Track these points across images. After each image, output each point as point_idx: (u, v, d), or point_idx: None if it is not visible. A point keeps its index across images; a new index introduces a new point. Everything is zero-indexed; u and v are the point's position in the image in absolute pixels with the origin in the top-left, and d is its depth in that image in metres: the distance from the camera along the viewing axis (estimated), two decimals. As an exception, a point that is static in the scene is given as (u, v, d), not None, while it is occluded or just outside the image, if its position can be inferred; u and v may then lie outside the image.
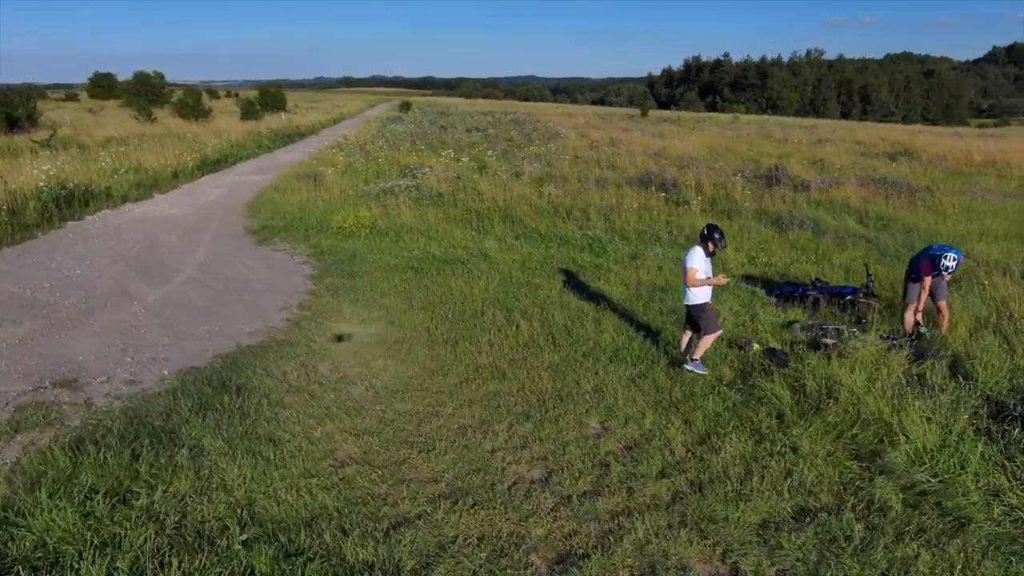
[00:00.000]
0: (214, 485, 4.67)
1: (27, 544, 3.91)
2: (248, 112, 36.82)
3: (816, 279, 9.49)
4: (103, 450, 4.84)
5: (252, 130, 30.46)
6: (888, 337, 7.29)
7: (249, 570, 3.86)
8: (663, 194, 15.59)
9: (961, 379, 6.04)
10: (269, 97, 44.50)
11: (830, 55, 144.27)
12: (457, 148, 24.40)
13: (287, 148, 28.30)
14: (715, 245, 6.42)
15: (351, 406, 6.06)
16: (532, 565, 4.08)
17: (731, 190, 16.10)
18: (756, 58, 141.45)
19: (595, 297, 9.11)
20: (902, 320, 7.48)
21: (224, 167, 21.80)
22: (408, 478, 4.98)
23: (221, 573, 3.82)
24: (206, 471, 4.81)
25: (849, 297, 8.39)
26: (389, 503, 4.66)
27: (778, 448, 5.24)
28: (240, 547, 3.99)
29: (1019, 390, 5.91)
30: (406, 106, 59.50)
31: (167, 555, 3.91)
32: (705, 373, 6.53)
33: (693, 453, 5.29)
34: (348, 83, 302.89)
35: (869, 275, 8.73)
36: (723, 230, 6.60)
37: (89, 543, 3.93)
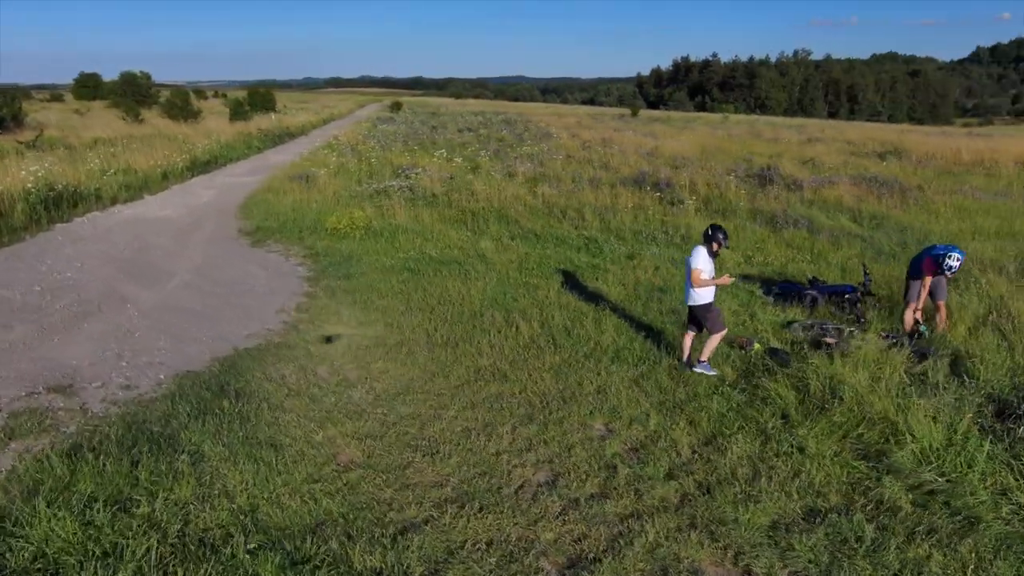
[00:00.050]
0: (216, 492, 4.59)
1: (26, 555, 3.81)
2: (237, 113, 36.53)
3: (813, 278, 9.51)
4: (102, 457, 4.74)
5: (242, 131, 30.23)
6: (888, 336, 7.31)
7: (255, 579, 3.79)
8: (657, 194, 15.59)
9: (964, 378, 6.04)
10: (258, 97, 44.19)
11: (817, 55, 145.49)
12: (449, 148, 24.32)
13: (277, 149, 28.09)
14: (719, 245, 6.40)
15: (352, 409, 5.98)
16: (543, 570, 4.03)
17: (725, 190, 16.14)
18: (744, 58, 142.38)
19: (593, 297, 9.08)
20: (902, 319, 7.49)
21: (214, 168, 21.60)
22: (413, 482, 4.91)
23: (227, 582, 3.75)
24: (207, 477, 4.73)
25: (848, 296, 8.40)
26: (395, 508, 4.59)
27: (784, 448, 5.22)
28: (246, 555, 3.91)
29: (1021, 388, 5.92)
30: (397, 106, 59.32)
31: (171, 564, 3.83)
32: (715, 374, 6.51)
33: (699, 454, 5.26)
34: (337, 83, 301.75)
35: (867, 274, 8.76)
36: (727, 230, 6.58)
37: (90, 553, 3.84)
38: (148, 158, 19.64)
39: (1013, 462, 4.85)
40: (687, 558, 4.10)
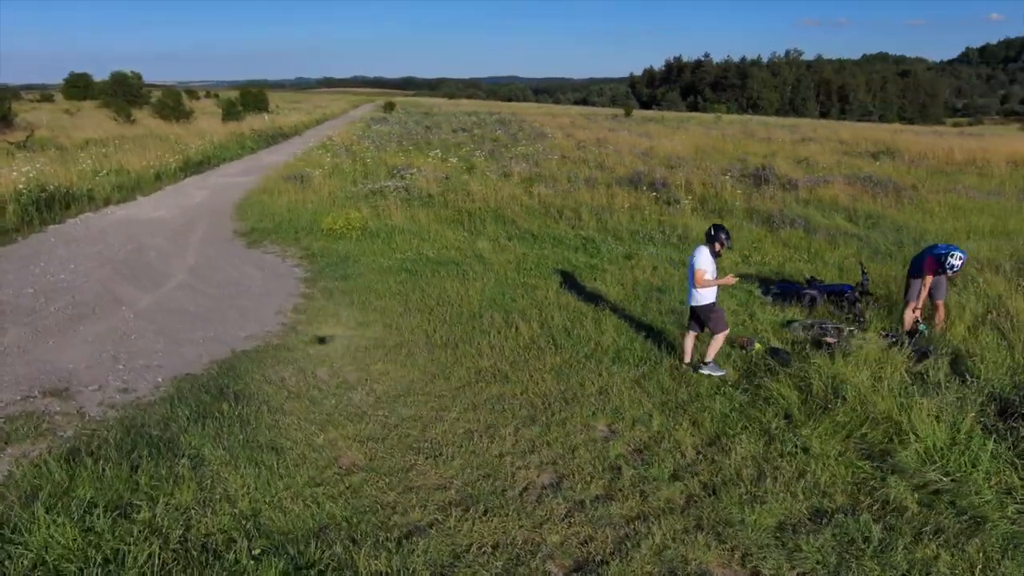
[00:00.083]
0: (217, 496, 4.53)
1: (25, 562, 3.75)
2: (230, 113, 36.32)
3: (811, 278, 9.52)
4: (101, 462, 4.67)
5: (235, 131, 30.05)
6: (887, 335, 7.32)
7: (259, 584, 3.74)
8: (654, 194, 15.59)
9: (966, 376, 6.05)
10: (251, 98, 43.99)
11: (808, 56, 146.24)
12: (444, 148, 24.26)
13: (271, 149, 27.96)
14: (721, 245, 6.39)
15: (353, 412, 5.93)
16: (550, 573, 4.00)
17: (721, 189, 16.16)
18: (736, 59, 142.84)
19: (592, 298, 9.06)
20: (901, 318, 7.50)
21: (208, 168, 21.47)
22: (416, 485, 4.87)
23: (230, 588, 3.70)
24: (208, 482, 4.67)
25: (848, 295, 8.41)
26: (399, 511, 4.55)
27: (789, 449, 5.21)
28: (250, 561, 3.86)
29: (1022, 387, 5.94)
30: (390, 106, 59.15)
31: (173, 571, 3.78)
32: (722, 374, 6.51)
33: (704, 455, 5.24)
34: (329, 83, 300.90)
35: (864, 273, 8.77)
36: (729, 231, 6.56)
37: (91, 560, 3.78)
38: (140, 159, 19.49)
39: (1017, 461, 4.85)
40: (695, 560, 4.07)
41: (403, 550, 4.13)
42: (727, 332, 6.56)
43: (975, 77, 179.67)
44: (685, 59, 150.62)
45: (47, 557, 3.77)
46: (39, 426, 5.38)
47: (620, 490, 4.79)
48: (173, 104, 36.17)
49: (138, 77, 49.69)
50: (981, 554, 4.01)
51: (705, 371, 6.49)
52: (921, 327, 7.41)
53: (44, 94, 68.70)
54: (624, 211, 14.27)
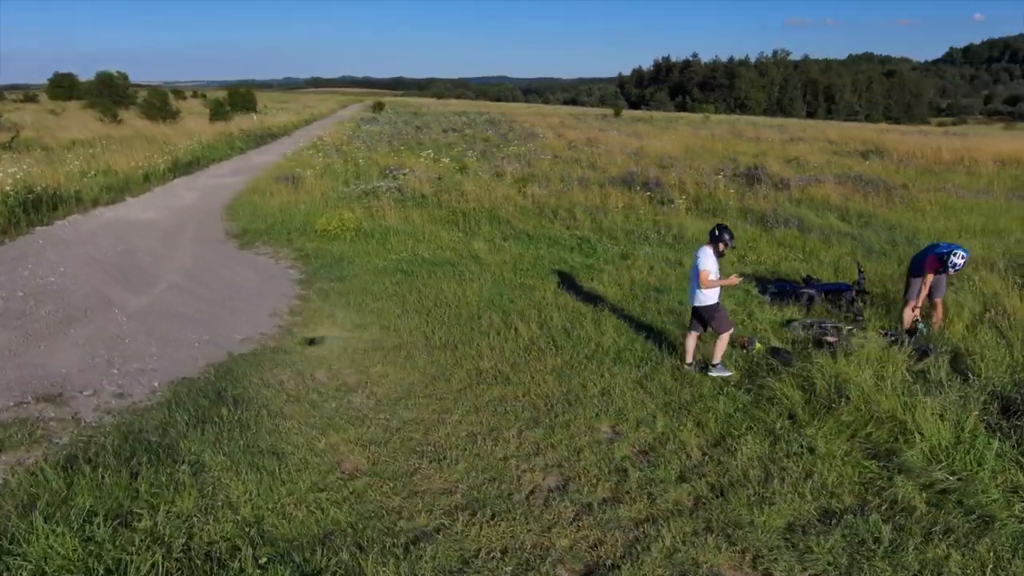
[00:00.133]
0: (219, 503, 4.45)
1: (24, 574, 3.65)
2: (218, 113, 36.00)
3: (808, 277, 9.55)
4: (100, 469, 4.57)
5: (223, 131, 29.78)
6: (886, 334, 7.34)
7: (266, 594, 3.66)
8: (647, 193, 15.59)
9: (969, 375, 6.06)
10: (239, 98, 43.62)
11: (795, 56, 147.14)
12: (435, 149, 24.16)
13: (260, 150, 27.73)
14: (725, 245, 6.37)
15: (354, 415, 5.86)
16: (561, 578, 3.95)
17: (714, 189, 16.18)
18: (724, 59, 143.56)
19: (590, 298, 9.02)
20: (900, 316, 7.53)
21: (197, 169, 21.24)
22: (421, 489, 4.81)
23: (236, 598, 3.62)
24: (209, 488, 4.58)
25: (846, 294, 8.43)
26: (405, 516, 4.49)
27: (794, 449, 5.19)
28: (256, 569, 3.78)
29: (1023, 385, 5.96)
30: (379, 106, 58.90)
31: (177, 580, 3.70)
32: (730, 374, 6.49)
33: (710, 456, 5.22)
34: (317, 83, 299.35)
35: (861, 272, 8.80)
36: (732, 230, 6.55)
37: (92, 571, 3.69)
38: (128, 159, 19.26)
39: (1022, 459, 4.87)
40: (706, 563, 4.04)
41: (411, 556, 4.06)
42: (731, 331, 6.54)
43: (959, 77, 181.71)
44: (673, 59, 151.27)
45: (47, 568, 3.68)
46: (33, 433, 5.26)
47: (627, 492, 4.75)
48: (160, 104, 35.81)
49: (124, 77, 49.13)
50: (991, 554, 4.01)
51: (714, 373, 6.46)
52: (920, 326, 7.43)
53: (28, 94, 67.79)
54: (618, 211, 14.25)
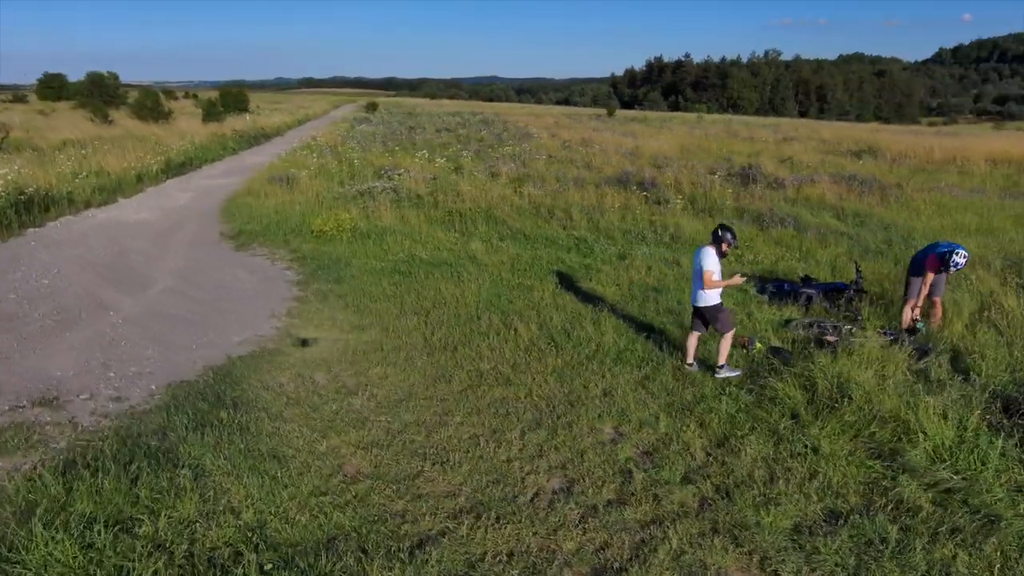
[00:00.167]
0: (221, 508, 4.39)
1: (24, 582, 3.59)
2: (210, 113, 35.78)
3: (806, 276, 9.55)
4: (99, 474, 4.50)
5: (216, 132, 29.64)
6: (886, 333, 7.35)
7: (271, 600, 3.61)
8: (644, 193, 15.58)
9: (971, 374, 6.07)
10: (231, 98, 43.32)
11: (787, 56, 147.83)
12: (430, 149, 24.08)
13: (253, 150, 27.59)
14: (728, 245, 6.36)
15: (354, 417, 5.81)
16: (568, 581, 3.92)
17: (709, 189, 16.19)
18: (716, 59, 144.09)
19: (589, 298, 9.00)
20: (900, 315, 7.54)
21: (190, 170, 21.12)
22: (424, 492, 4.77)
23: (241, 605, 3.57)
24: (211, 493, 4.53)
25: (846, 293, 8.44)
26: (409, 520, 4.44)
27: (798, 449, 5.18)
28: (261, 575, 3.73)
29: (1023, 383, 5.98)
30: (372, 107, 58.77)
31: (180, 587, 3.64)
32: (738, 374, 6.48)
33: (714, 457, 5.20)
34: (309, 84, 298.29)
35: (859, 271, 8.81)
36: (735, 230, 6.54)
37: (93, 578, 3.63)
38: (120, 160, 19.11)
39: (1025, 458, 4.87)
40: (714, 565, 4.02)
41: (416, 560, 4.03)
42: (734, 331, 6.53)
43: (949, 77, 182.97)
44: (666, 59, 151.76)
45: (47, 576, 3.62)
46: (30, 437, 5.19)
47: (632, 494, 4.73)
48: (151, 105, 35.55)
49: (115, 77, 48.71)
50: (999, 553, 4.00)
51: (721, 374, 6.43)
52: (919, 325, 7.44)
53: (16, 94, 67.22)
54: (615, 211, 14.24)
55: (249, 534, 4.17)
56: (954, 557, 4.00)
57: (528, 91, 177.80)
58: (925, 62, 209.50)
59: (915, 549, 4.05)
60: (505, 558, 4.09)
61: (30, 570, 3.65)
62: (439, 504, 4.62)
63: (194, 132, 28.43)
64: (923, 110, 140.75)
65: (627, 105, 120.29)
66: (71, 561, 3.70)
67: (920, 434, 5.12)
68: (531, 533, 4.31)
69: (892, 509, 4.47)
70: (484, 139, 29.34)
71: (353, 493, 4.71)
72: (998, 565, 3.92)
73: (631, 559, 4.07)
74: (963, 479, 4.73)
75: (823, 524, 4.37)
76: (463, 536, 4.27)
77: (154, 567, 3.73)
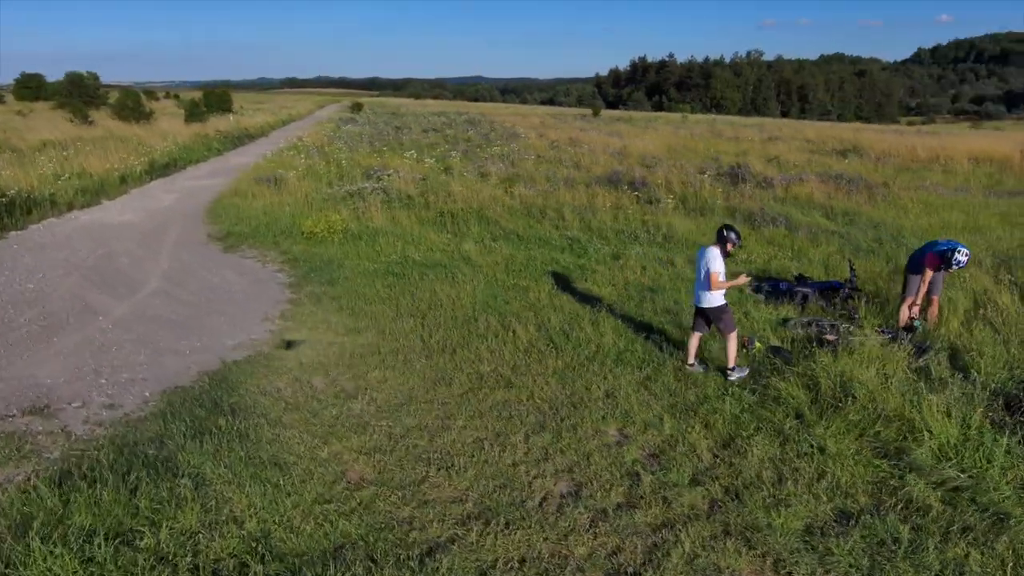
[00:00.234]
0: (223, 518, 4.28)
1: (22, 599, 3.47)
2: (193, 114, 35.34)
3: (800, 275, 9.59)
4: (96, 485, 4.37)
5: (199, 132, 29.27)
6: (883, 331, 7.38)
7: (280, 613, 3.52)
8: (635, 193, 15.58)
9: (972, 373, 6.09)
10: (214, 98, 42.87)
11: (768, 56, 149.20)
12: (417, 149, 23.96)
13: (238, 151, 27.27)
14: (733, 245, 6.34)
15: (355, 422, 5.72)
16: (582, 588, 3.86)
17: (699, 188, 16.23)
18: (699, 59, 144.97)
19: (586, 299, 8.96)
20: (897, 314, 7.57)
21: (174, 171, 20.82)
22: (431, 498, 4.69)
23: (249, 618, 3.47)
24: (212, 503, 4.41)
25: (843, 292, 8.47)
26: (416, 527, 4.36)
27: (805, 449, 5.17)
28: (269, 588, 3.64)
29: (1022, 380, 6.02)
30: (358, 107, 58.43)
31: (185, 601, 3.54)
32: (747, 373, 6.48)
33: (721, 458, 5.17)
34: (292, 84, 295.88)
35: (853, 270, 8.85)
36: (738, 230, 6.52)
37: (95, 593, 3.51)
38: (103, 161, 18.83)
39: (1030, 456, 4.89)
40: (728, 568, 3.98)
41: (427, 568, 3.95)
42: (736, 331, 6.51)
43: (927, 77, 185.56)
44: (650, 59, 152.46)
45: (46, 592, 3.50)
46: (21, 448, 5.04)
47: (641, 497, 4.68)
48: (133, 105, 35.04)
49: (94, 77, 48.08)
50: (1011, 552, 4.00)
51: (734, 376, 6.38)
52: (916, 323, 7.48)
53: (-7, 94, 65.94)
54: (607, 211, 14.22)
55: (254, 544, 4.07)
56: (967, 556, 3.99)
57: (513, 91, 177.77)
58: (904, 62, 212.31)
59: (928, 549, 4.04)
60: (517, 565, 4.03)
61: (29, 586, 3.53)
62: (446, 510, 4.54)
63: (177, 133, 28.07)
64: (902, 110, 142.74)
65: (612, 105, 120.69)
66: (71, 576, 3.59)
67: (925, 433, 5.13)
68: (542, 539, 4.25)
69: (902, 509, 4.46)
70: (471, 139, 29.24)
71: (358, 500, 4.62)
72: (1011, 564, 3.92)
73: (644, 563, 4.03)
74: (970, 477, 4.73)
75: (834, 525, 4.35)
76: (473, 543, 4.20)
77: (158, 581, 3.62)
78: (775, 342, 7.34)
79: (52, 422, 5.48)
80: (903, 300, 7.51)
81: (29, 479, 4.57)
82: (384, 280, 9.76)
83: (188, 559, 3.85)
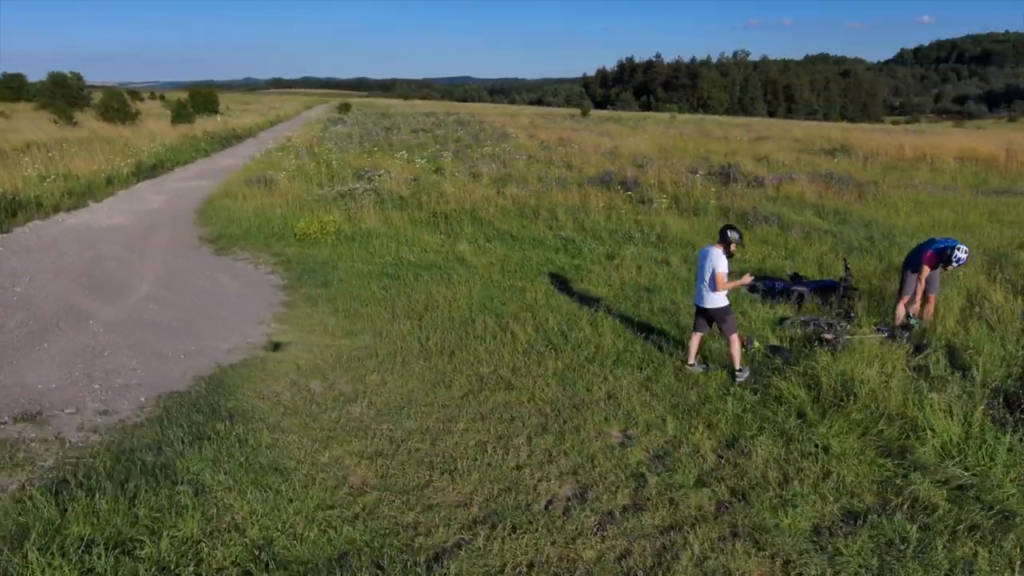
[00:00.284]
0: (225, 526, 4.20)
1: (21, 612, 3.38)
2: (180, 114, 34.95)
3: (795, 274, 9.62)
4: (94, 494, 4.27)
5: (187, 133, 28.99)
6: (880, 330, 7.41)
7: (287, 622, 3.45)
8: (627, 193, 15.58)
9: (972, 371, 6.11)
10: (201, 99, 42.41)
11: (755, 56, 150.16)
12: (408, 149, 23.82)
13: (227, 152, 27.04)
14: (736, 245, 6.33)
15: (355, 426, 5.65)
16: (593, 592, 3.82)
17: (691, 188, 16.26)
18: (686, 59, 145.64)
19: (583, 299, 8.93)
20: (894, 312, 7.60)
21: (162, 173, 20.59)
22: (435, 503, 4.63)
23: (255, 628, 3.40)
24: (213, 510, 4.33)
25: (838, 291, 8.49)
26: (422, 532, 4.31)
27: (809, 449, 5.16)
28: (276, 597, 3.57)
29: (1019, 378, 6.05)
30: (346, 107, 58.12)
31: (189, 612, 3.46)
32: (749, 371, 6.47)
33: (725, 459, 5.15)
34: (278, 84, 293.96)
35: (847, 268, 8.88)
36: (740, 230, 6.51)
37: (96, 605, 3.43)
38: (89, 163, 18.58)
39: (1032, 453, 4.91)
40: (737, 570, 3.96)
41: (434, 574, 3.89)
42: (738, 332, 6.51)
43: (910, 77, 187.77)
44: (637, 60, 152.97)
45: (45, 605, 3.41)
46: (14, 455, 4.93)
47: (648, 499, 4.65)
48: (118, 106, 34.56)
49: (78, 77, 47.32)
50: (1018, 550, 4.01)
51: (741, 378, 6.36)
52: (912, 321, 7.51)
53: (-28, 95, 64.85)
54: (600, 211, 14.20)
55: (257, 552, 4.00)
56: (975, 555, 3.99)
57: (501, 91, 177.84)
58: (888, 62, 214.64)
59: (936, 548, 4.04)
60: (525, 570, 3.98)
61: (27, 599, 3.43)
62: (452, 515, 4.49)
63: (164, 134, 27.78)
64: (887, 109, 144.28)
65: (600, 105, 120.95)
66: (71, 588, 3.50)
67: (928, 431, 5.14)
68: (549, 543, 4.21)
69: (909, 508, 4.45)
70: (461, 139, 29.14)
71: (361, 505, 4.55)
72: (1019, 562, 3.92)
73: (654, 566, 3.99)
74: (974, 475, 4.74)
75: (842, 525, 4.34)
76: (480, 548, 4.14)
77: (161, 591, 3.53)
78: (774, 341, 7.35)
79: (45, 429, 5.37)
80: (899, 298, 7.53)
81: (24, 488, 4.46)
82: (379, 282, 9.68)
83: (191, 568, 3.77)
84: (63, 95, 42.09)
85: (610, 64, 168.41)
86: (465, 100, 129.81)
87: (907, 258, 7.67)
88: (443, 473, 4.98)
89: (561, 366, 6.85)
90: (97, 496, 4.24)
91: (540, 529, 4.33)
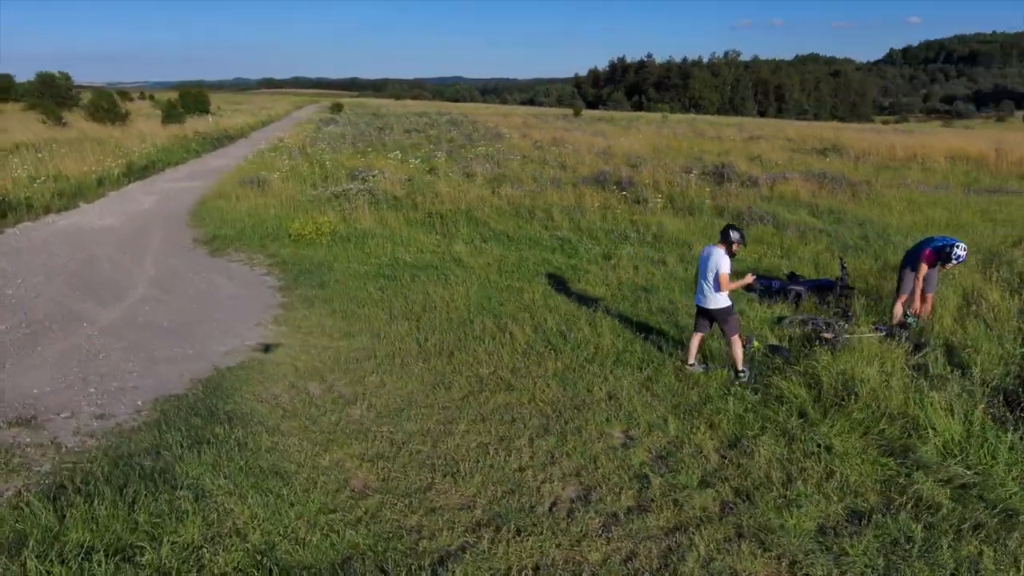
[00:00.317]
0: (226, 531, 4.15)
1: (20, 621, 3.32)
2: (171, 115, 34.69)
3: (792, 273, 9.63)
4: (93, 500, 4.21)
5: (178, 134, 28.79)
6: (878, 328, 7.42)
7: (292, 629, 3.41)
8: (622, 193, 15.59)
9: (971, 369, 6.13)
10: (191, 99, 42.11)
11: (745, 56, 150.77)
12: (401, 150, 23.75)
13: (218, 152, 26.86)
14: (738, 245, 6.33)
15: (355, 429, 5.60)
16: (600, 595, 3.80)
17: (686, 188, 16.28)
18: (678, 59, 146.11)
19: (580, 299, 8.91)
20: (892, 311, 7.62)
21: (153, 173, 20.42)
22: (438, 505, 4.59)
23: (260, 635, 3.35)
24: (214, 515, 4.28)
25: (835, 290, 8.51)
26: (426, 536, 4.27)
27: (812, 449, 5.16)
28: (280, 603, 3.52)
29: (1020, 376, 6.07)
30: (338, 107, 57.87)
31: (192, 619, 3.41)
32: (749, 371, 6.46)
33: (728, 459, 5.14)
34: (269, 84, 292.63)
35: (844, 268, 8.91)
36: (742, 230, 6.51)
37: (97, 613, 3.37)
38: (79, 163, 18.42)
39: (1033, 451, 4.93)
40: (744, 571, 3.94)
41: (439, 578, 3.86)
42: (739, 332, 6.50)
43: (899, 77, 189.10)
44: (629, 60, 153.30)
45: (45, 614, 3.35)
46: (10, 461, 4.85)
47: (652, 500, 4.63)
48: (107, 106, 34.25)
49: (66, 77, 46.91)
50: (1023, 549, 4.02)
51: (745, 378, 6.35)
52: (910, 320, 7.53)
53: (-41, 96, 64.16)
54: (595, 211, 14.19)
55: (259, 557, 3.95)
56: (980, 554, 4.00)
57: (493, 91, 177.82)
58: (877, 62, 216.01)
59: (941, 547, 4.04)
60: (531, 573, 3.95)
61: (26, 608, 3.37)
62: (455, 517, 4.45)
63: (155, 134, 27.57)
64: (876, 109, 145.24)
65: (591, 105, 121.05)
66: (71, 596, 3.44)
67: (929, 430, 5.15)
68: (554, 545, 4.18)
69: (912, 507, 4.46)
70: (455, 139, 29.08)
71: (363, 509, 4.51)
72: (1023, 560, 3.93)
73: (660, 568, 3.97)
74: (976, 474, 4.75)
75: (847, 525, 4.33)
76: (484, 551, 4.11)
77: (163, 598, 3.48)
78: (773, 341, 7.35)
79: (41, 433, 5.29)
80: (897, 297, 7.55)
81: (20, 494, 4.39)
82: (376, 282, 9.63)
83: (192, 574, 3.72)
84: (51, 95, 41.77)
85: (602, 64, 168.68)
86: (457, 100, 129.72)
87: (905, 257, 7.69)
88: (445, 475, 4.94)
89: (561, 367, 6.83)
90: (96, 502, 4.18)
91: (545, 531, 4.30)
